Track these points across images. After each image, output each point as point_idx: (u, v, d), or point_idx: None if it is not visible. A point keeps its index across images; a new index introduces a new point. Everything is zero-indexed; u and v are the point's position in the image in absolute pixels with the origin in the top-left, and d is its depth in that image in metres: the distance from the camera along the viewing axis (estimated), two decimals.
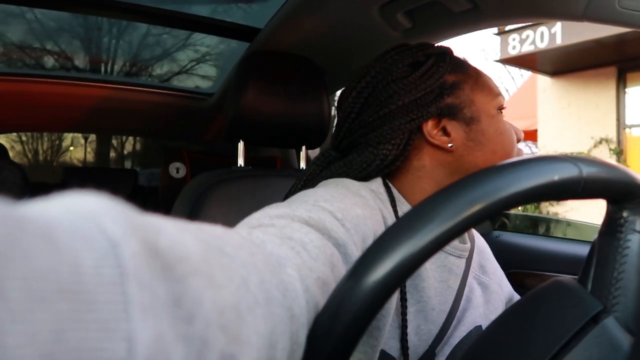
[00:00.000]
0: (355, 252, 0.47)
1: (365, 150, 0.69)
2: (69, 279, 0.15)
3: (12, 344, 0.13)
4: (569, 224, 1.18)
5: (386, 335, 0.58)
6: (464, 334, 0.67)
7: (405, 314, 0.60)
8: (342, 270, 0.44)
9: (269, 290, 0.30)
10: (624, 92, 7.06)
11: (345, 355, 0.33)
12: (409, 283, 0.63)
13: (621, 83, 7.04)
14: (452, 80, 0.68)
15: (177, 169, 2.05)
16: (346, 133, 0.72)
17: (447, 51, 0.72)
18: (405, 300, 0.61)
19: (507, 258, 1.11)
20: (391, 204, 0.65)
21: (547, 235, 1.15)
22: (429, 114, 0.67)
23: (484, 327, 0.69)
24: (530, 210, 7.18)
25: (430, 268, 0.65)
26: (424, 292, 0.64)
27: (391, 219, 0.62)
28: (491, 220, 1.23)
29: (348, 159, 0.70)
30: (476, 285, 0.72)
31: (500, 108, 0.70)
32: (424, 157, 0.68)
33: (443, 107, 0.67)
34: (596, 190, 0.36)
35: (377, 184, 0.67)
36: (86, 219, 0.17)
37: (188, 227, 0.24)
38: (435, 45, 0.73)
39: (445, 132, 0.67)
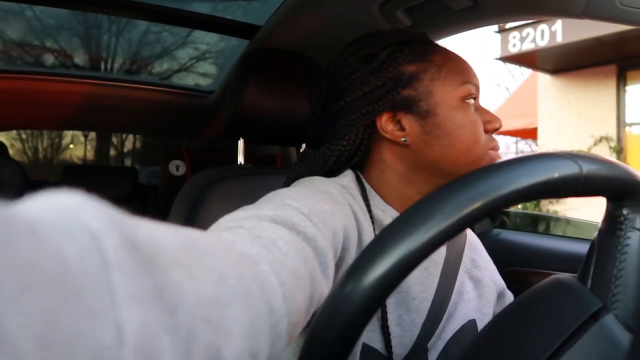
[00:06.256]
0: (326, 245, 0.47)
1: (323, 146, 0.69)
2: (56, 269, 0.15)
3: (11, 325, 0.13)
4: (568, 222, 1.18)
5: (367, 327, 0.58)
6: (457, 329, 0.66)
7: (385, 305, 0.60)
8: (315, 263, 0.44)
9: (246, 283, 0.30)
10: (624, 91, 7.06)
11: (344, 352, 0.33)
12: None
13: (621, 81, 7.04)
14: (410, 71, 0.66)
15: (177, 167, 2.05)
16: (314, 131, 0.72)
17: (410, 39, 0.68)
18: None
19: (507, 256, 1.11)
20: (363, 198, 0.65)
21: (546, 233, 1.15)
22: (381, 108, 0.66)
23: (477, 322, 0.69)
24: (530, 208, 7.18)
25: None
26: (403, 281, 0.63)
27: (362, 213, 0.62)
28: (491, 218, 1.23)
29: (309, 157, 0.70)
30: (467, 279, 0.72)
31: (467, 97, 0.65)
32: (383, 151, 0.68)
33: (398, 100, 0.65)
34: (596, 188, 0.36)
35: (348, 178, 0.67)
36: (66, 214, 0.18)
37: (161, 225, 0.24)
38: (405, 32, 0.70)
39: (401, 125, 0.66)
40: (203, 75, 2.21)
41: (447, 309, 0.66)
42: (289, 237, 0.42)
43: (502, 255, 1.12)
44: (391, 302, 0.62)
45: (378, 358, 0.59)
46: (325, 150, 0.68)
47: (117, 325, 0.16)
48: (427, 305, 0.64)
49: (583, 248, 1.04)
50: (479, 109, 0.67)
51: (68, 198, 0.19)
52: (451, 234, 0.32)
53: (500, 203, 0.32)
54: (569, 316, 0.35)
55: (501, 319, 0.40)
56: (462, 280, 0.71)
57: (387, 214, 0.66)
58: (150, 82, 1.87)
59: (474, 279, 0.73)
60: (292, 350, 0.62)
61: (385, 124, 0.66)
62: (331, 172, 0.69)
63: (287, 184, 0.69)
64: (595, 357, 0.33)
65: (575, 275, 0.40)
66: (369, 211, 0.64)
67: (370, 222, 0.63)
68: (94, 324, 0.16)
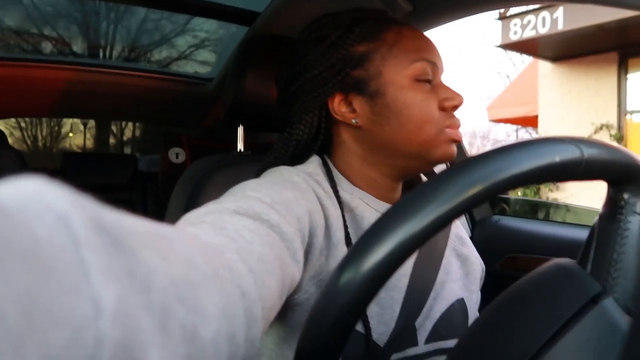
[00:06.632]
0: (291, 230, 0.48)
1: (285, 132, 0.69)
2: (27, 246, 0.15)
3: None
4: (568, 209, 1.18)
5: None
6: (445, 308, 0.66)
7: None
8: (282, 248, 0.45)
9: (215, 269, 0.30)
10: (626, 78, 7.02)
11: (342, 339, 0.33)
12: None
13: (622, 69, 7.00)
14: (360, 52, 0.65)
15: (177, 154, 2.05)
16: (282, 118, 0.73)
17: (364, 18, 0.66)
18: None
19: (507, 242, 1.11)
20: (330, 182, 0.65)
21: (546, 219, 1.15)
22: (331, 90, 0.65)
23: (465, 300, 0.69)
24: (529, 195, 7.19)
25: None
26: None
27: (328, 197, 0.62)
28: (491, 205, 1.23)
29: (274, 144, 0.70)
30: (454, 258, 0.72)
31: (421, 75, 0.63)
32: (342, 134, 0.68)
33: (348, 81, 0.65)
34: (597, 172, 0.35)
35: (314, 165, 0.66)
36: (31, 197, 0.18)
37: (124, 214, 0.24)
38: (362, 10, 0.68)
39: (352, 107, 0.66)
40: (202, 63, 2.20)
41: (434, 287, 0.66)
42: (252, 226, 0.43)
43: (502, 242, 1.12)
44: None
45: (357, 337, 0.58)
46: (286, 136, 0.68)
47: (93, 299, 0.17)
48: (404, 281, 0.64)
49: (583, 234, 1.04)
50: (438, 86, 0.65)
51: (30, 183, 0.18)
52: (451, 218, 0.32)
53: (501, 187, 0.32)
54: (569, 300, 0.35)
55: (500, 303, 0.40)
56: (449, 258, 0.71)
57: (354, 196, 0.65)
58: (149, 70, 1.86)
59: (461, 256, 0.73)
60: (272, 340, 0.62)
61: (338, 106, 0.66)
62: (296, 158, 0.69)
63: (257, 175, 0.69)
64: (595, 341, 0.33)
65: (575, 260, 0.40)
66: (337, 195, 0.64)
67: (338, 206, 0.63)
68: (70, 298, 0.16)
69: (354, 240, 0.62)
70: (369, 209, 0.65)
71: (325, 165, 0.67)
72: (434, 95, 0.64)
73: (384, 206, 0.66)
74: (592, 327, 0.34)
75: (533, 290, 0.38)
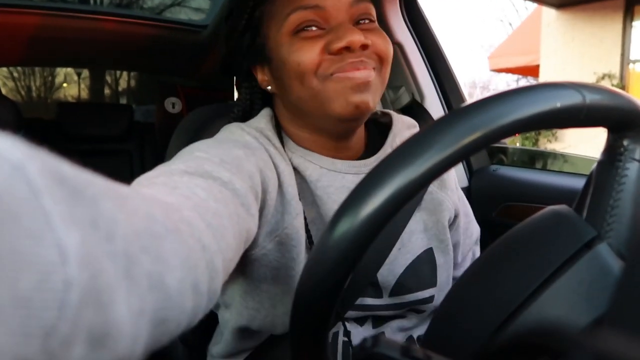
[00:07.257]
0: (244, 186, 0.48)
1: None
2: None
3: None
4: (566, 159, 1.18)
5: (295, 262, 0.60)
6: (411, 261, 0.65)
7: (310, 235, 0.61)
8: (236, 204, 0.46)
9: (174, 223, 0.31)
10: (631, 26, 6.86)
11: (339, 287, 0.34)
12: (309, 215, 0.63)
13: (628, 16, 6.82)
14: (256, 18, 0.63)
15: (173, 104, 2.02)
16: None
17: None
18: (309, 231, 0.61)
19: (505, 191, 1.12)
20: (280, 139, 0.64)
21: (544, 169, 1.16)
22: (245, 63, 0.67)
23: (435, 250, 0.68)
24: (528, 146, 7.18)
25: (327, 192, 0.63)
26: (327, 217, 0.63)
27: (278, 154, 0.62)
28: (489, 154, 1.23)
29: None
30: (428, 203, 0.69)
31: (299, 27, 0.58)
32: (275, 100, 0.69)
33: (255, 51, 0.65)
34: (599, 118, 0.35)
35: (265, 120, 0.65)
36: None
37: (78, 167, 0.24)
38: None
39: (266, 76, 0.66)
40: (196, 10, 2.13)
41: (401, 238, 0.65)
42: (204, 184, 0.43)
43: (500, 191, 1.13)
44: (315, 230, 0.62)
45: None
46: (240, 96, 0.71)
47: (58, 245, 0.17)
48: None
49: (580, 183, 1.04)
50: (330, 30, 0.58)
51: None
52: (450, 164, 0.31)
53: (502, 133, 0.31)
54: (563, 245, 0.36)
55: (494, 249, 0.40)
56: (423, 205, 0.69)
57: (296, 155, 0.64)
58: (141, 17, 1.80)
59: (435, 201, 0.70)
60: (238, 292, 0.63)
61: (260, 76, 0.67)
62: (249, 114, 0.69)
63: None
64: (587, 284, 0.34)
65: (572, 206, 0.40)
66: (285, 151, 0.64)
67: (289, 162, 0.63)
68: (34, 243, 0.16)
69: (301, 197, 0.62)
70: (312, 165, 0.64)
71: (276, 119, 0.68)
72: (319, 41, 0.57)
73: (328, 161, 0.64)
74: (585, 271, 0.34)
75: (528, 236, 0.39)
